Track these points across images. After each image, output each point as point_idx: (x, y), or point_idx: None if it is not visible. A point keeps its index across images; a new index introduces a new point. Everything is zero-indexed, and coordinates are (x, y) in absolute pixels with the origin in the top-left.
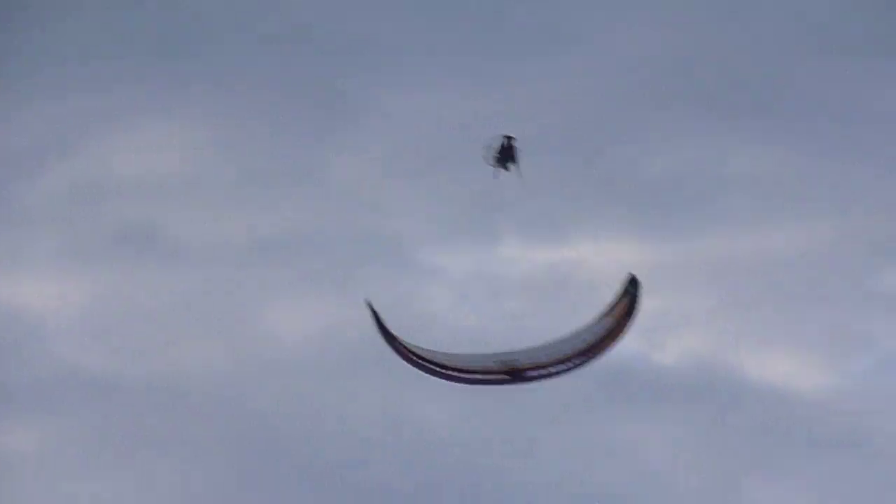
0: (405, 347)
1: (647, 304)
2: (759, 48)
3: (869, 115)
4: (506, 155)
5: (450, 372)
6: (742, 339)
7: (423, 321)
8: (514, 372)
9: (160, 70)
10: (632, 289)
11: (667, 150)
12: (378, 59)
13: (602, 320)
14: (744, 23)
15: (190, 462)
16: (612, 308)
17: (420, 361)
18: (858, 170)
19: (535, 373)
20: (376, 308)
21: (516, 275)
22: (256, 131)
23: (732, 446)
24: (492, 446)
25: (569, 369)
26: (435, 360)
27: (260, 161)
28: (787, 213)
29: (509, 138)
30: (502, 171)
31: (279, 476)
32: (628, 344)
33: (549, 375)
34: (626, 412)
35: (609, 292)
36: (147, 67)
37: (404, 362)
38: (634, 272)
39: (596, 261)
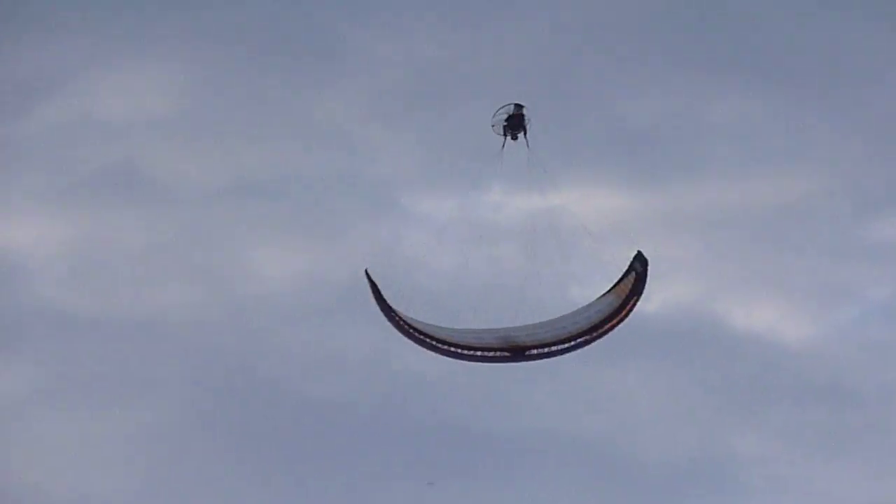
0: (404, 321)
1: (630, 250)
2: None
3: (860, 67)
4: (515, 124)
5: (450, 348)
6: (728, 289)
7: (408, 265)
8: (515, 349)
9: (144, 13)
10: (639, 266)
11: (654, 99)
12: (364, 2)
13: (606, 297)
14: None
15: (172, 400)
16: (618, 285)
17: (419, 336)
18: (847, 120)
19: (536, 351)
20: (375, 279)
21: (501, 221)
22: (241, 74)
23: (718, 394)
24: (477, 392)
25: (571, 348)
26: (435, 336)
27: (244, 103)
28: (774, 163)
29: (519, 107)
30: (510, 140)
31: (260, 413)
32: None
33: (552, 354)
34: (611, 360)
35: (593, 241)
36: (131, 11)
37: (402, 336)
38: (642, 249)
39: (580, 209)
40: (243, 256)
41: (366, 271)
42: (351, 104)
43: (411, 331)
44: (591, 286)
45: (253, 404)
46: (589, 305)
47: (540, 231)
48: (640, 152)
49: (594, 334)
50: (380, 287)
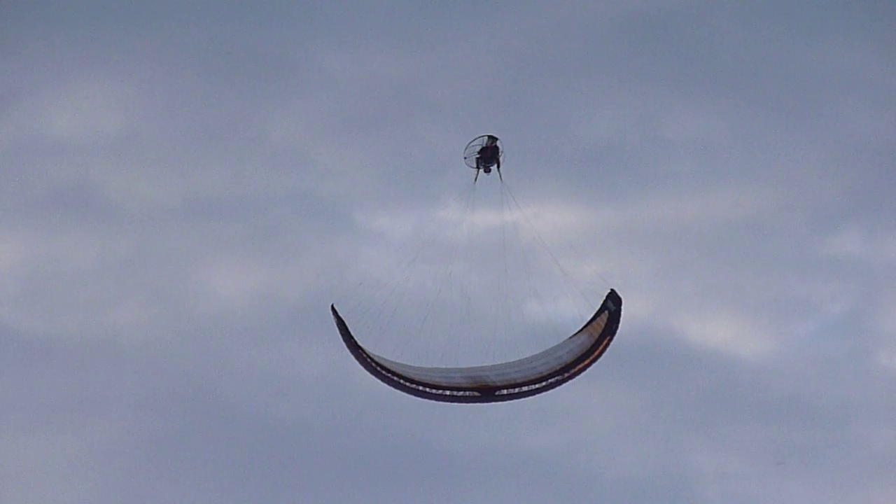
0: (372, 360)
1: (588, 268)
2: (704, 11)
3: (817, 84)
4: (488, 157)
5: (418, 387)
6: (685, 304)
7: (364, 285)
8: (486, 389)
9: (95, 31)
10: (612, 305)
11: (609, 113)
12: (314, 18)
13: (579, 337)
14: None
15: (124, 421)
16: (590, 324)
17: (387, 375)
18: (802, 136)
19: (507, 391)
20: (342, 315)
21: (457, 238)
22: (194, 93)
23: (674, 410)
24: (434, 409)
25: (543, 388)
26: (403, 375)
27: (196, 122)
28: (730, 179)
29: (493, 139)
30: (482, 173)
31: (215, 433)
32: (567, 308)
33: (522, 395)
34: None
35: (548, 257)
36: (81, 28)
37: (369, 373)
38: (615, 287)
39: (537, 224)
40: (197, 276)
41: (332, 307)
42: (306, 123)
43: (379, 370)
44: (550, 302)
45: (207, 424)
46: (561, 345)
47: (501, 247)
48: (596, 169)
49: (566, 374)
50: (346, 324)
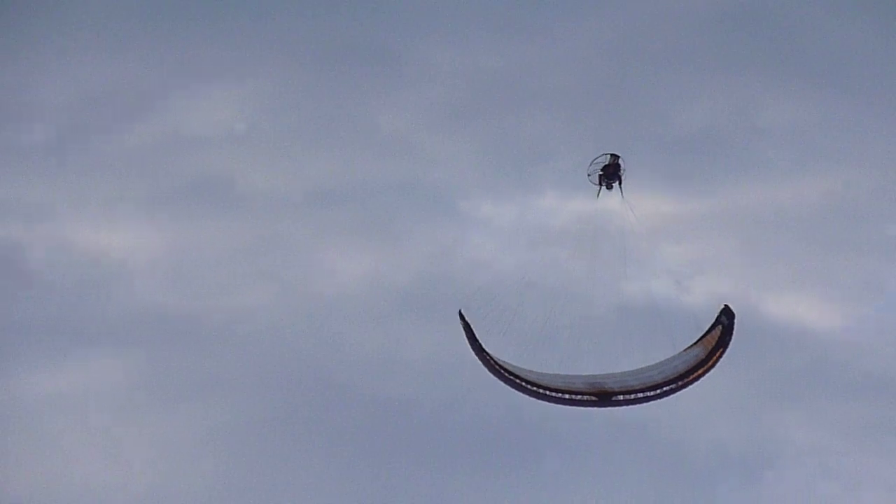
0: (497, 363)
1: (682, 251)
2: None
3: None
4: (610, 173)
5: (539, 390)
6: (776, 286)
7: (471, 267)
8: (602, 394)
9: (216, 38)
10: (725, 319)
11: (702, 102)
12: (421, 11)
13: (693, 349)
14: None
15: (246, 399)
16: (704, 337)
17: (510, 377)
18: (893, 123)
19: (623, 397)
20: (469, 321)
21: (556, 225)
22: (307, 88)
23: (768, 386)
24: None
25: (656, 396)
26: (526, 378)
27: (312, 116)
28: (821, 165)
29: (615, 157)
30: (605, 189)
31: (325, 410)
32: (661, 288)
33: (637, 401)
34: (657, 349)
35: (642, 242)
36: (207, 34)
37: (493, 376)
38: (730, 304)
39: (631, 212)
40: (313, 261)
41: (460, 312)
42: (413, 114)
43: (504, 373)
44: (644, 281)
45: (320, 403)
46: (676, 356)
47: (596, 233)
48: (691, 157)
49: (681, 382)
50: (473, 329)
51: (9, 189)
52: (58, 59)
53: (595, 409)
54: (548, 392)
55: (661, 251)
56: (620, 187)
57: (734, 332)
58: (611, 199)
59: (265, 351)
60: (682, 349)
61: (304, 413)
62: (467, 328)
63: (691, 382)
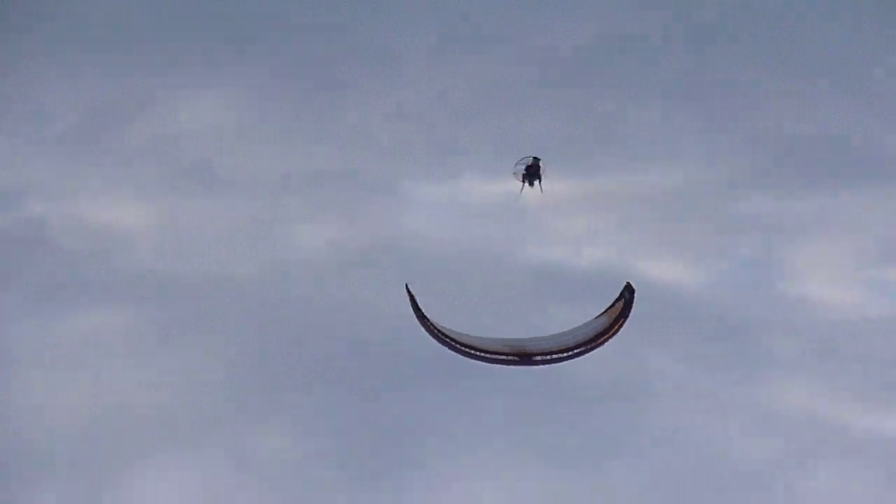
0: (436, 328)
1: (570, 222)
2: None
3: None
4: (532, 173)
5: (471, 351)
6: (643, 251)
7: (407, 238)
8: (523, 355)
9: (218, 51)
10: (627, 294)
11: (592, 111)
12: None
13: (600, 318)
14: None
15: (234, 333)
16: (609, 309)
17: (447, 340)
18: (719, 121)
19: (540, 357)
20: (413, 291)
21: (475, 203)
22: (284, 94)
23: (636, 328)
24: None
25: (569, 357)
26: (460, 341)
27: (289, 116)
28: (677, 158)
29: (536, 159)
30: (527, 186)
31: (298, 344)
32: (555, 251)
33: (553, 361)
34: (554, 304)
35: (549, 219)
36: (209, 49)
37: (434, 340)
38: (632, 282)
39: (530, 192)
40: (289, 230)
41: (406, 286)
42: (370, 113)
43: (442, 336)
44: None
45: (293, 340)
46: (586, 324)
47: (499, 211)
48: (586, 149)
49: (589, 346)
50: (417, 300)
51: (33, 173)
52: (69, 70)
53: (517, 366)
54: (477, 353)
55: (563, 226)
56: (540, 184)
57: (633, 305)
58: (530, 192)
59: (246, 302)
60: (591, 317)
61: (280, 348)
62: (412, 299)
63: (597, 346)
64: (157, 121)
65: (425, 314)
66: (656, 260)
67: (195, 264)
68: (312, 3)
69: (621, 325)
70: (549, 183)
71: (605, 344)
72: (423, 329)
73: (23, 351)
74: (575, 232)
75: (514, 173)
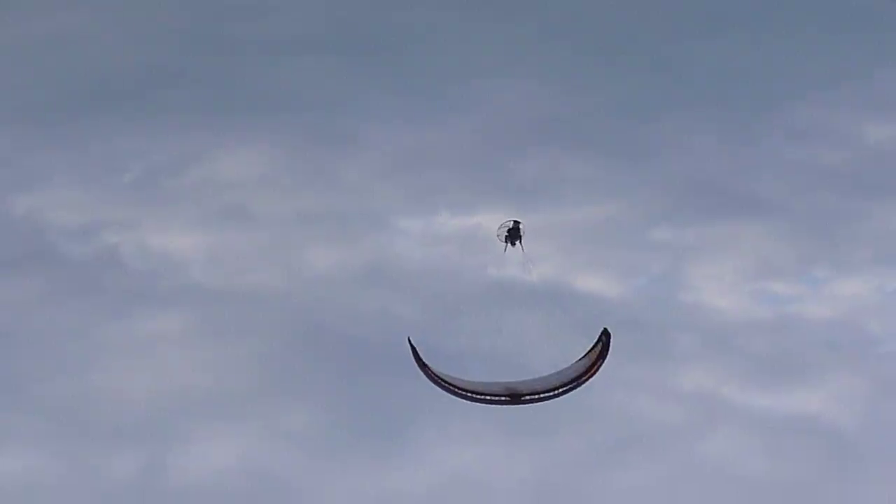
0: (435, 374)
1: (523, 246)
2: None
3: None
4: (513, 234)
5: (466, 394)
6: (577, 268)
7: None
8: (514, 395)
9: (248, 118)
10: (604, 338)
11: (536, 161)
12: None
13: (582, 361)
14: None
15: (264, 339)
16: (589, 352)
17: (445, 384)
18: (635, 171)
19: (529, 397)
20: (414, 343)
21: (448, 233)
22: (300, 151)
23: (569, 329)
24: None
25: (555, 396)
26: (456, 385)
27: (304, 168)
28: (599, 197)
29: (517, 223)
30: (509, 245)
31: (312, 342)
32: (510, 271)
33: (541, 399)
34: (509, 311)
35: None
36: (241, 116)
37: (434, 385)
38: (608, 327)
39: (489, 224)
40: (304, 253)
41: (408, 339)
42: (361, 166)
43: (441, 381)
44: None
45: (307, 339)
46: (569, 367)
47: (468, 239)
48: (528, 195)
49: (573, 385)
50: (418, 350)
51: (109, 211)
52: (135, 130)
53: (508, 406)
54: (472, 395)
55: (515, 251)
56: (521, 244)
57: (610, 348)
58: (482, 218)
59: (274, 308)
60: (574, 361)
61: (300, 343)
62: (414, 351)
63: (580, 385)
64: (203, 171)
65: (426, 363)
66: (587, 275)
67: (233, 280)
68: (316, 79)
69: (600, 366)
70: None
71: (587, 383)
72: (424, 376)
73: (105, 346)
74: (524, 255)
75: (498, 235)
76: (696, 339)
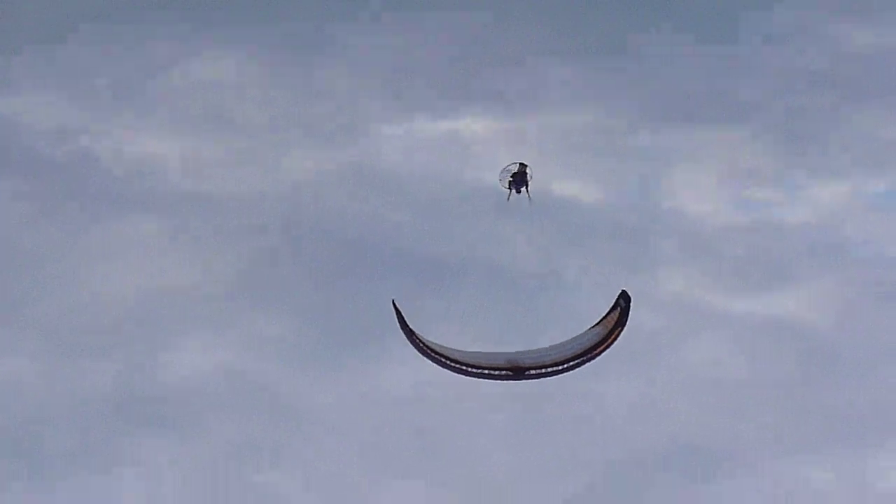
0: (424, 344)
1: (501, 152)
2: None
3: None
4: (518, 179)
5: (461, 367)
6: (558, 173)
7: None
8: (517, 369)
9: (228, 21)
10: (623, 303)
11: None
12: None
13: (596, 329)
14: None
15: (241, 244)
16: (605, 318)
17: (435, 356)
18: (616, 78)
19: (534, 371)
20: (399, 307)
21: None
22: (280, 56)
23: (550, 234)
24: None
25: (565, 370)
26: (449, 356)
27: (283, 72)
28: (585, 101)
29: (523, 165)
30: (514, 192)
31: (300, 246)
32: (488, 175)
33: (548, 374)
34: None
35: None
36: (221, 18)
37: (423, 356)
38: (627, 290)
39: (470, 129)
40: (281, 159)
41: (393, 301)
42: (352, 76)
43: (431, 353)
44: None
45: (297, 243)
46: (582, 334)
47: (452, 148)
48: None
49: (586, 358)
50: (404, 315)
51: (85, 116)
52: (109, 36)
53: (510, 381)
54: (469, 369)
55: (495, 155)
56: (528, 191)
57: (629, 313)
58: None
59: (251, 213)
60: (587, 328)
61: (278, 247)
62: (399, 316)
63: (594, 357)
64: (180, 76)
65: (413, 329)
66: (566, 182)
67: (211, 185)
68: None
69: (619, 335)
70: (491, 124)
71: (602, 355)
72: (412, 345)
73: (81, 250)
74: (505, 160)
75: (500, 180)
76: (676, 244)
